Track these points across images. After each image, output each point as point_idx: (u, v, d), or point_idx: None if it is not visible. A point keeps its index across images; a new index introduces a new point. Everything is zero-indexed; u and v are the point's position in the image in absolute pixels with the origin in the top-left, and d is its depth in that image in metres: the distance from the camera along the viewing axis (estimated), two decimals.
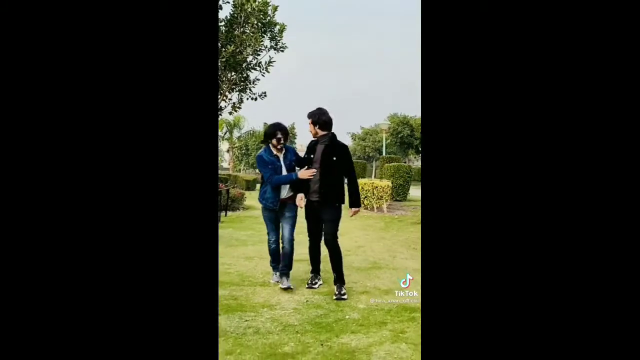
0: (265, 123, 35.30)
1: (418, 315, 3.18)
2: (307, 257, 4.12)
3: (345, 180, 3.99)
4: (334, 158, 3.81)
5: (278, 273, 4.07)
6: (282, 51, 15.36)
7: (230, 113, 16.86)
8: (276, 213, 4.01)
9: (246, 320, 3.11)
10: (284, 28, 15.14)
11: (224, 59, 13.66)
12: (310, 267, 4.14)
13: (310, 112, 3.94)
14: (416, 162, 33.88)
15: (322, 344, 2.72)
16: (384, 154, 20.38)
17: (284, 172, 3.94)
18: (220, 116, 17.81)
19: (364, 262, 5.17)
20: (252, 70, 15.15)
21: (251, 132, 32.14)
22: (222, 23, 14.51)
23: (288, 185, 3.96)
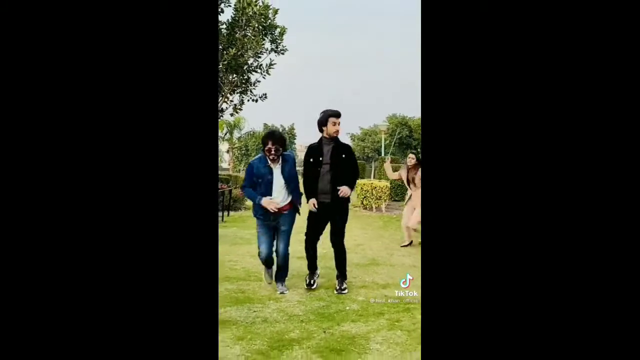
0: (265, 124, 35.54)
1: (413, 306, 3.42)
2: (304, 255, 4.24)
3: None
4: (343, 156, 3.95)
5: (279, 282, 3.93)
6: (283, 54, 15.59)
7: (232, 114, 17.06)
8: (270, 223, 3.82)
9: (254, 311, 3.36)
10: (284, 31, 15.37)
11: (225, 62, 13.88)
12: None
13: (334, 112, 3.95)
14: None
15: (324, 331, 2.97)
16: (382, 154, 20.61)
17: (280, 183, 3.77)
18: (221, 118, 18.02)
19: (363, 259, 5.42)
20: (253, 73, 15.37)
21: (251, 132, 32.37)
22: (224, 26, 14.73)
23: (283, 194, 3.79)
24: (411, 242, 6.16)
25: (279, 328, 3.04)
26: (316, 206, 3.91)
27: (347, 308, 3.48)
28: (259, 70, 15.09)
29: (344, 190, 3.86)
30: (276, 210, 3.72)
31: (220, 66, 13.47)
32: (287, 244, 3.90)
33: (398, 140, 29.14)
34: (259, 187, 3.79)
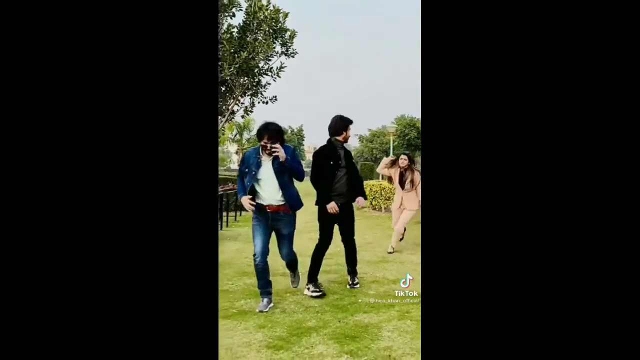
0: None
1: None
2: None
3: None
4: (353, 160, 4.25)
5: (266, 299, 3.47)
6: (293, 57, 15.82)
7: (243, 117, 17.31)
8: (266, 221, 3.49)
9: (273, 302, 3.60)
10: (294, 34, 15.61)
11: (237, 65, 14.16)
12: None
13: (350, 119, 4.11)
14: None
15: (339, 321, 3.20)
16: (391, 155, 20.79)
17: (272, 179, 3.44)
18: (232, 120, 18.29)
19: (373, 256, 5.64)
20: (264, 75, 15.62)
21: None
22: (235, 30, 15.00)
23: (278, 190, 3.45)
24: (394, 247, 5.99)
25: (297, 318, 3.27)
26: (337, 209, 3.93)
27: (360, 301, 3.70)
28: (269, 73, 15.36)
29: (361, 201, 4.17)
30: (252, 209, 3.42)
31: (232, 69, 13.76)
32: (290, 250, 3.64)
33: (406, 142, 29.31)
34: (245, 179, 3.49)
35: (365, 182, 15.00)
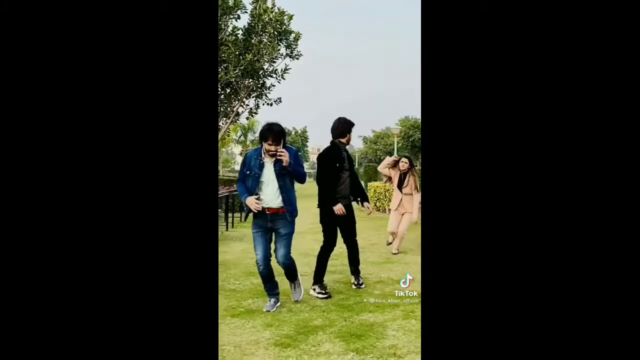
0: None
1: None
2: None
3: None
4: (353, 162, 4.35)
5: (273, 299, 3.52)
6: (297, 59, 15.89)
7: (247, 118, 17.39)
8: (265, 226, 3.44)
9: (279, 303, 3.66)
10: (299, 36, 15.70)
11: (242, 67, 14.25)
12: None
13: (350, 121, 4.18)
14: None
15: (345, 320, 3.26)
16: (394, 155, 20.83)
17: (273, 182, 3.38)
18: (237, 121, 18.39)
19: (378, 257, 5.69)
20: (269, 77, 15.70)
21: None
22: (240, 32, 15.09)
23: (278, 193, 3.38)
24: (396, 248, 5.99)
25: (303, 317, 3.33)
26: (344, 211, 3.97)
27: (365, 300, 3.75)
28: (274, 75, 15.44)
29: (369, 207, 4.31)
30: (259, 209, 3.35)
31: (237, 71, 13.86)
32: (287, 252, 3.49)
33: (410, 143, 29.33)
34: (247, 181, 3.44)
35: (369, 184, 15.05)
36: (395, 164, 5.94)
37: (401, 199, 5.88)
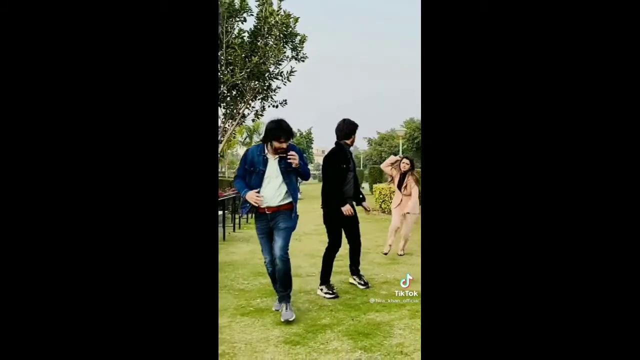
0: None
1: None
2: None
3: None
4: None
5: (283, 302, 3.37)
6: (303, 61, 15.98)
7: (253, 120, 17.46)
8: (268, 227, 3.37)
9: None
10: (304, 39, 15.79)
11: (248, 69, 14.35)
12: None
13: (354, 122, 4.26)
14: None
15: (352, 319, 3.33)
16: (399, 155, 20.86)
17: (276, 178, 3.30)
18: (243, 123, 18.50)
19: (384, 258, 5.76)
20: (274, 80, 15.80)
21: None
22: (246, 34, 15.19)
23: (280, 192, 3.32)
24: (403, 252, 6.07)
25: (311, 316, 3.41)
26: (352, 211, 4.07)
27: (372, 300, 3.82)
28: (280, 78, 15.53)
29: (367, 205, 4.40)
30: (260, 204, 3.27)
31: (243, 73, 13.97)
32: (285, 245, 3.30)
33: (416, 145, 29.35)
34: (249, 178, 3.36)
35: (374, 186, 15.09)
36: (397, 164, 6.01)
37: (401, 199, 5.97)
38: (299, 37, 15.25)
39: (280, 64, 15.27)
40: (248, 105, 15.82)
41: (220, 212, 8.63)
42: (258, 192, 3.27)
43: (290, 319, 3.22)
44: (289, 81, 15.26)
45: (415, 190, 5.81)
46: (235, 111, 16.00)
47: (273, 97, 16.39)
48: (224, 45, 14.53)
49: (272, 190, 3.30)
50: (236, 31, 14.51)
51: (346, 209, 4.03)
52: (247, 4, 14.42)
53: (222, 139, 16.09)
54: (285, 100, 16.01)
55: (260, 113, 15.76)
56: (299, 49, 15.25)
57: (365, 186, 23.20)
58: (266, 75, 15.09)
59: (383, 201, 11.88)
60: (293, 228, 3.38)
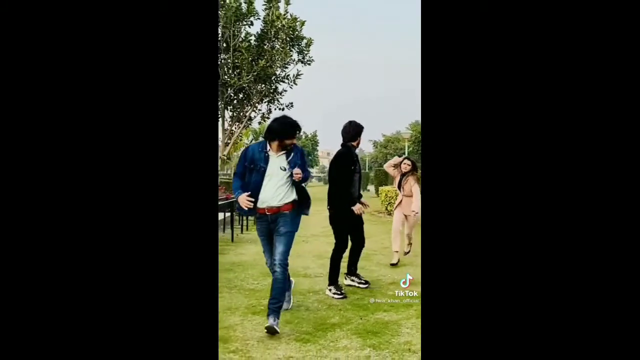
0: None
1: None
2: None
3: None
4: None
5: (272, 315, 3.08)
6: (309, 64, 16.09)
7: (260, 123, 17.61)
8: (268, 229, 3.24)
9: (297, 301, 3.82)
10: (311, 42, 15.88)
11: (255, 73, 14.47)
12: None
13: (360, 124, 4.38)
14: None
15: (361, 318, 3.41)
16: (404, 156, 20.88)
17: (278, 177, 3.16)
18: (249, 126, 18.64)
19: (390, 259, 5.84)
20: (281, 83, 15.90)
21: None
22: (253, 38, 15.30)
23: (281, 191, 3.17)
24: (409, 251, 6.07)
25: (321, 315, 3.49)
26: (362, 211, 4.17)
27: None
28: (286, 81, 15.64)
29: (365, 202, 4.41)
30: (250, 207, 3.13)
31: (250, 76, 14.10)
32: (286, 250, 3.15)
33: (421, 148, 29.32)
34: (249, 176, 3.20)
35: (380, 188, 15.14)
36: (399, 164, 6.06)
37: (401, 200, 6.00)
38: (305, 41, 15.37)
39: (286, 67, 15.39)
40: (255, 108, 15.94)
41: (228, 214, 8.74)
42: (250, 195, 3.14)
43: (276, 329, 2.98)
44: (296, 84, 15.37)
45: (416, 188, 5.84)
46: (242, 114, 16.11)
47: (279, 99, 16.46)
48: (231, 48, 14.66)
49: (272, 189, 3.16)
50: (243, 35, 14.65)
51: (357, 208, 4.13)
52: (254, 8, 14.56)
53: (228, 141, 16.20)
54: (292, 103, 16.13)
55: (267, 116, 15.89)
56: (305, 52, 15.36)
57: (371, 188, 23.11)
58: (272, 78, 15.22)
59: (389, 203, 11.95)
60: (295, 231, 3.26)
